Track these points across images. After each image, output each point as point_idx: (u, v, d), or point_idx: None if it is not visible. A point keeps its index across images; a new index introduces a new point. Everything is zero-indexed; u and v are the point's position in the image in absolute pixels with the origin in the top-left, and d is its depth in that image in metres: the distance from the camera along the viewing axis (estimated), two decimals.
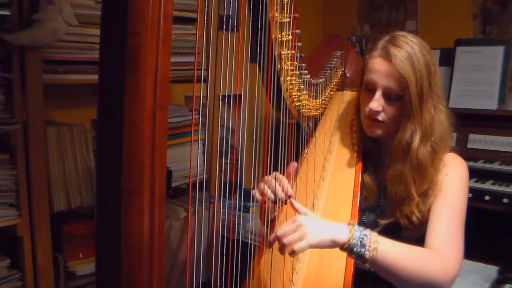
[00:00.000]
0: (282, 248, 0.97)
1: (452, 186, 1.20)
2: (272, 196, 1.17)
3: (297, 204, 1.09)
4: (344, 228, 0.99)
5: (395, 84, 1.20)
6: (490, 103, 2.54)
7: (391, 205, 1.26)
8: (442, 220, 1.14)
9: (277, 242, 0.99)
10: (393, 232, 1.24)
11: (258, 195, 1.20)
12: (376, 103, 1.23)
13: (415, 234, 1.19)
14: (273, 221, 1.24)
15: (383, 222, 1.26)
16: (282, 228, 0.99)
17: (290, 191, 1.15)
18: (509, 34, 2.73)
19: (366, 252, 0.97)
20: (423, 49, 1.22)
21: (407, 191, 1.21)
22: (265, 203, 1.19)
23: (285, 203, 1.18)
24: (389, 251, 1.00)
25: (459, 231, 1.14)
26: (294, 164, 1.26)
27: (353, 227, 0.99)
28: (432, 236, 1.12)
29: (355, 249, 0.97)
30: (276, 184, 1.16)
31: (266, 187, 1.17)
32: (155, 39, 0.67)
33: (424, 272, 1.01)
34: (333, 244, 0.98)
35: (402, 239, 1.22)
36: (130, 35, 0.66)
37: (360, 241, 0.97)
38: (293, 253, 0.96)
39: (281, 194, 1.15)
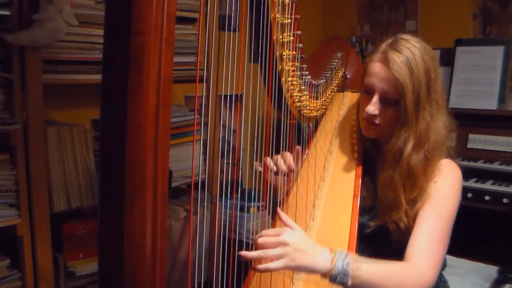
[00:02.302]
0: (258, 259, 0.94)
1: (439, 195, 1.18)
2: (274, 167, 1.17)
3: (284, 216, 1.02)
4: (326, 257, 0.97)
5: (392, 89, 1.20)
6: (490, 103, 2.54)
7: (381, 209, 1.26)
8: (425, 230, 1.13)
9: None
10: (383, 235, 1.24)
11: (259, 167, 1.20)
12: (373, 106, 1.24)
13: (404, 238, 1.17)
14: (274, 218, 1.24)
15: (373, 224, 1.26)
16: (265, 238, 0.95)
17: (293, 165, 1.15)
18: (509, 34, 2.74)
19: (349, 281, 0.96)
20: (424, 55, 1.20)
21: (397, 198, 1.20)
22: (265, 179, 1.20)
23: (287, 176, 1.19)
24: (370, 273, 0.98)
25: (440, 242, 1.13)
26: (298, 148, 1.28)
27: (335, 255, 0.97)
28: (412, 247, 1.11)
29: (338, 279, 0.96)
30: (278, 157, 1.17)
31: (268, 158, 1.18)
32: (159, 39, 0.67)
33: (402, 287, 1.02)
34: (312, 272, 0.97)
35: (391, 242, 1.22)
36: (134, 35, 0.66)
37: (344, 272, 0.96)
38: (265, 269, 0.94)
39: (282, 166, 1.15)
